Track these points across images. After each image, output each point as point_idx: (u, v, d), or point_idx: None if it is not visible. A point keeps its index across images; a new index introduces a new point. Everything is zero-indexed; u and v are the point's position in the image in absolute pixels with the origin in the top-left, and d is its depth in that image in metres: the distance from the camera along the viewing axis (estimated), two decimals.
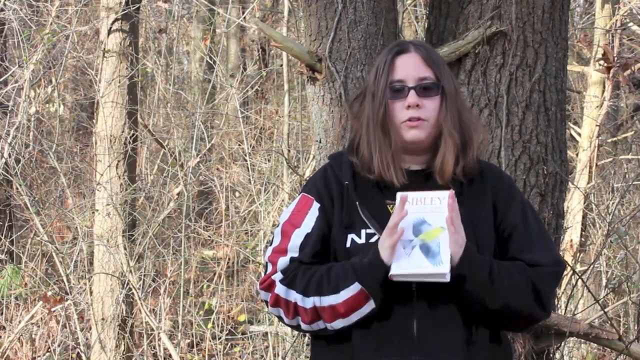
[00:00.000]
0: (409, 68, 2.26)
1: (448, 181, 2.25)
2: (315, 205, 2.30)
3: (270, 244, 2.33)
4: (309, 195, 2.33)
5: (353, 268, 2.16)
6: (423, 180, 2.28)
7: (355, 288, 2.14)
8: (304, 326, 2.24)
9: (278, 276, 2.25)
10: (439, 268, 2.08)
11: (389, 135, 2.25)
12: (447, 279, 2.08)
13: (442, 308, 2.16)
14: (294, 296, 2.21)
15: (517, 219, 2.29)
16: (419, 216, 2.14)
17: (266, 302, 2.30)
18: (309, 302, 2.19)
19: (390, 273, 2.11)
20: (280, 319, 2.30)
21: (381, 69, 2.28)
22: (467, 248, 2.13)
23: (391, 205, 2.25)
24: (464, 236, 2.13)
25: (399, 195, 2.17)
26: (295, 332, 5.98)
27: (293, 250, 2.27)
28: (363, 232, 2.23)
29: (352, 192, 2.27)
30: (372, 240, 2.21)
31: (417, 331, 2.16)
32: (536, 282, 2.21)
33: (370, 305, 2.15)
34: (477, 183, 2.30)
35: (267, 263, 2.31)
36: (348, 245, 2.23)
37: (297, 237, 2.28)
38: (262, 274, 2.34)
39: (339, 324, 2.19)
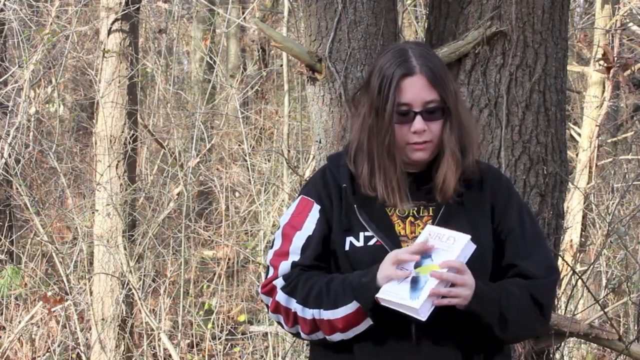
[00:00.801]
0: (415, 91, 2.22)
1: (448, 199, 2.25)
2: (316, 207, 2.29)
3: (271, 247, 2.32)
4: (309, 198, 2.32)
5: (351, 287, 2.15)
6: (418, 184, 2.28)
7: (353, 306, 2.14)
8: (303, 335, 2.24)
9: (279, 282, 2.24)
10: (412, 302, 2.06)
11: (394, 160, 2.24)
12: (422, 318, 2.07)
13: (442, 313, 2.14)
14: (294, 306, 2.21)
15: (514, 223, 2.29)
16: (429, 250, 2.13)
17: (267, 305, 2.29)
18: (309, 314, 2.19)
19: (376, 295, 2.11)
20: (280, 324, 2.30)
21: (386, 88, 2.22)
22: (477, 286, 2.12)
23: (389, 208, 2.25)
24: (471, 276, 2.11)
25: (428, 226, 2.18)
26: None
27: (294, 253, 2.26)
28: (361, 235, 2.22)
29: (349, 195, 2.26)
30: (371, 242, 2.21)
31: (415, 335, 2.16)
32: (538, 297, 2.21)
33: (367, 322, 2.16)
34: (475, 186, 2.30)
35: (268, 267, 2.30)
36: (347, 248, 2.23)
37: (299, 240, 2.27)
38: (263, 277, 2.33)
39: (337, 337, 2.19)
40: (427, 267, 2.10)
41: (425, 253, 2.11)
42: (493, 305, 2.15)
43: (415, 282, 2.08)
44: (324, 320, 2.18)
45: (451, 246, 2.12)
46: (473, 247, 2.13)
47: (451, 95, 2.26)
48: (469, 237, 2.13)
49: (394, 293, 2.08)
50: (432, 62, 2.27)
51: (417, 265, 2.10)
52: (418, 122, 2.22)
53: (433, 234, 2.15)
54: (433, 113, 2.23)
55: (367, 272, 2.15)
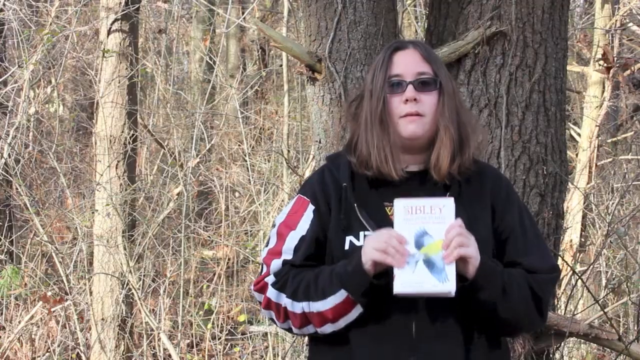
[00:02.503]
0: (407, 63, 2.26)
1: (444, 178, 2.24)
2: (310, 208, 2.30)
3: (267, 245, 2.34)
4: (305, 197, 2.33)
5: (338, 276, 2.15)
6: (419, 182, 2.27)
7: (341, 295, 2.15)
8: (294, 330, 2.26)
9: (270, 279, 2.26)
10: (445, 286, 2.04)
11: (388, 130, 2.24)
12: (453, 294, 2.05)
13: (442, 310, 2.15)
14: (284, 301, 2.22)
15: (515, 223, 2.29)
16: (420, 227, 2.09)
17: (260, 302, 2.31)
18: (298, 307, 2.20)
19: (394, 291, 2.06)
20: (272, 320, 2.31)
21: (379, 65, 2.27)
22: (482, 258, 2.11)
23: (389, 207, 2.24)
24: (475, 243, 2.10)
25: (397, 201, 2.13)
26: None
27: (287, 253, 2.27)
28: (362, 234, 2.21)
29: (350, 195, 2.26)
30: None
31: (415, 333, 2.15)
32: (536, 289, 2.21)
33: (357, 310, 2.16)
34: (475, 183, 2.29)
35: (262, 264, 2.32)
36: (347, 247, 2.22)
37: (292, 240, 2.28)
38: (259, 274, 2.35)
39: (327, 328, 2.20)
40: (433, 245, 2.07)
41: (418, 231, 2.08)
42: (496, 278, 2.14)
43: (430, 264, 2.05)
44: (313, 312, 2.18)
45: (440, 216, 2.09)
46: (454, 203, 2.10)
47: (445, 75, 2.29)
48: (452, 199, 2.11)
49: (416, 283, 2.05)
50: (428, 46, 2.35)
51: (419, 245, 2.07)
52: (409, 91, 2.24)
53: (410, 208, 2.10)
54: (425, 85, 2.25)
55: (350, 259, 2.15)
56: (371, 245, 2.09)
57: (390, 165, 2.23)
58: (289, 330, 2.28)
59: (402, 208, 2.11)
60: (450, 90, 2.28)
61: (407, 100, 2.23)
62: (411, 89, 2.24)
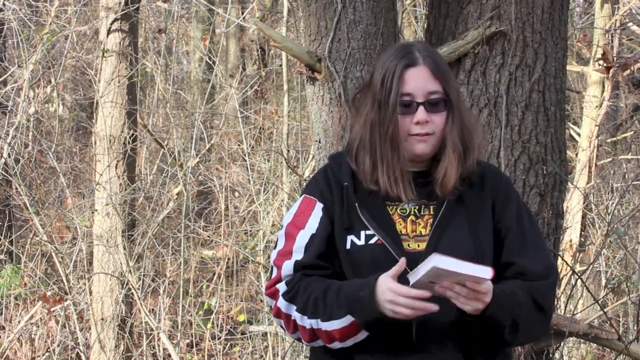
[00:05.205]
0: (418, 82, 2.23)
1: (448, 193, 2.24)
2: (319, 206, 2.28)
3: (275, 248, 2.31)
4: (312, 197, 2.31)
5: (346, 300, 2.13)
6: (419, 183, 2.27)
7: (348, 319, 2.13)
8: (304, 342, 2.25)
9: (282, 287, 2.23)
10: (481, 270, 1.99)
11: (397, 150, 2.23)
12: (489, 276, 2.00)
13: (443, 314, 2.13)
14: (294, 314, 2.21)
15: (513, 222, 2.28)
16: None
17: (270, 307, 2.29)
18: (307, 323, 2.19)
19: (411, 283, 2.03)
20: (282, 329, 2.30)
21: (389, 80, 2.23)
22: (494, 292, 2.09)
23: (391, 207, 2.25)
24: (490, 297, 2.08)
25: (434, 258, 2.00)
26: None
27: (298, 252, 2.25)
28: (362, 233, 2.21)
29: (351, 194, 2.25)
30: (372, 241, 2.20)
31: (416, 338, 2.15)
32: (541, 302, 2.20)
33: (364, 334, 2.15)
34: (476, 186, 2.29)
35: (272, 267, 2.29)
36: (348, 247, 2.22)
37: (302, 239, 2.26)
38: (269, 277, 2.32)
39: (336, 345, 2.19)
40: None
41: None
42: (508, 310, 2.13)
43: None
44: (322, 330, 2.17)
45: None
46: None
47: (453, 89, 2.27)
48: (490, 271, 2.01)
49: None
50: (436, 55, 2.31)
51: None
52: (421, 113, 2.22)
53: (442, 271, 2.00)
54: (436, 105, 2.24)
55: (364, 284, 2.12)
56: (390, 308, 2.06)
57: (400, 189, 2.23)
58: (299, 340, 2.27)
59: (434, 268, 1.99)
60: (457, 102, 2.27)
61: (418, 122, 2.23)
62: (422, 111, 2.22)
